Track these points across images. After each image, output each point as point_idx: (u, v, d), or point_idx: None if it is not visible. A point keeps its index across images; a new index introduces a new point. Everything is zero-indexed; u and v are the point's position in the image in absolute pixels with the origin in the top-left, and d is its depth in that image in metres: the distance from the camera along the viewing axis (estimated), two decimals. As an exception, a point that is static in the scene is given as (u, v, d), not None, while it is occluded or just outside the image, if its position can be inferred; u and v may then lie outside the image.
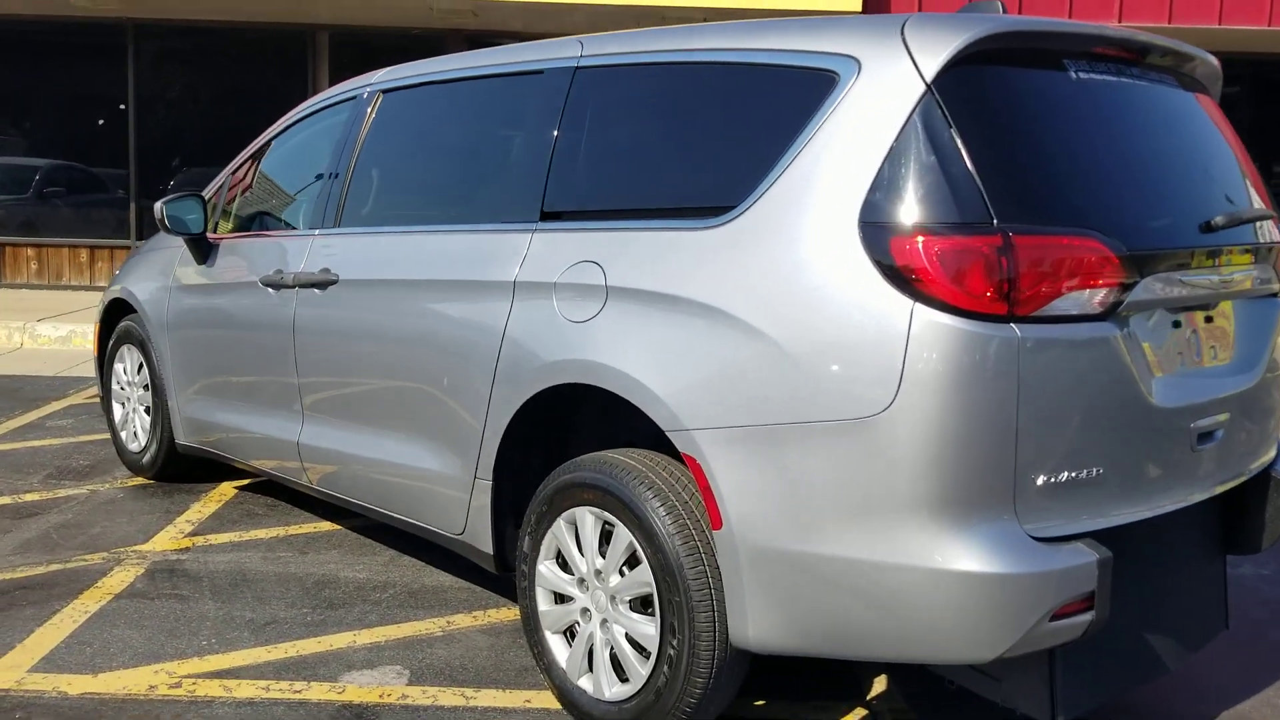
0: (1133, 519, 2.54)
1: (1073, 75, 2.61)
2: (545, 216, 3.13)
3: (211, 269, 4.51)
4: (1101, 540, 2.44)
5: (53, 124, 11.74)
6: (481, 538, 3.29)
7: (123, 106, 11.55)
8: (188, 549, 4.31)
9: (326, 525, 4.65)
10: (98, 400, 6.94)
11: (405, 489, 3.57)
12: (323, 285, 3.83)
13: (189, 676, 3.24)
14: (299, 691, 3.16)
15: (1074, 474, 2.39)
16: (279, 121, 4.55)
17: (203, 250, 4.58)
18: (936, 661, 2.44)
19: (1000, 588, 2.30)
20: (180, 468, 5.10)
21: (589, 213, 3.01)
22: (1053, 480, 2.36)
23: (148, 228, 11.73)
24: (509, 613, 3.76)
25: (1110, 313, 2.42)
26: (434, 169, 3.67)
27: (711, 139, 2.77)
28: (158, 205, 4.44)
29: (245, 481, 5.25)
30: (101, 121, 11.69)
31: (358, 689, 3.18)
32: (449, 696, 3.15)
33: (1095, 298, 2.39)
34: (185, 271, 4.67)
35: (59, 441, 5.91)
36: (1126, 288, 2.44)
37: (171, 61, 11.65)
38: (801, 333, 2.44)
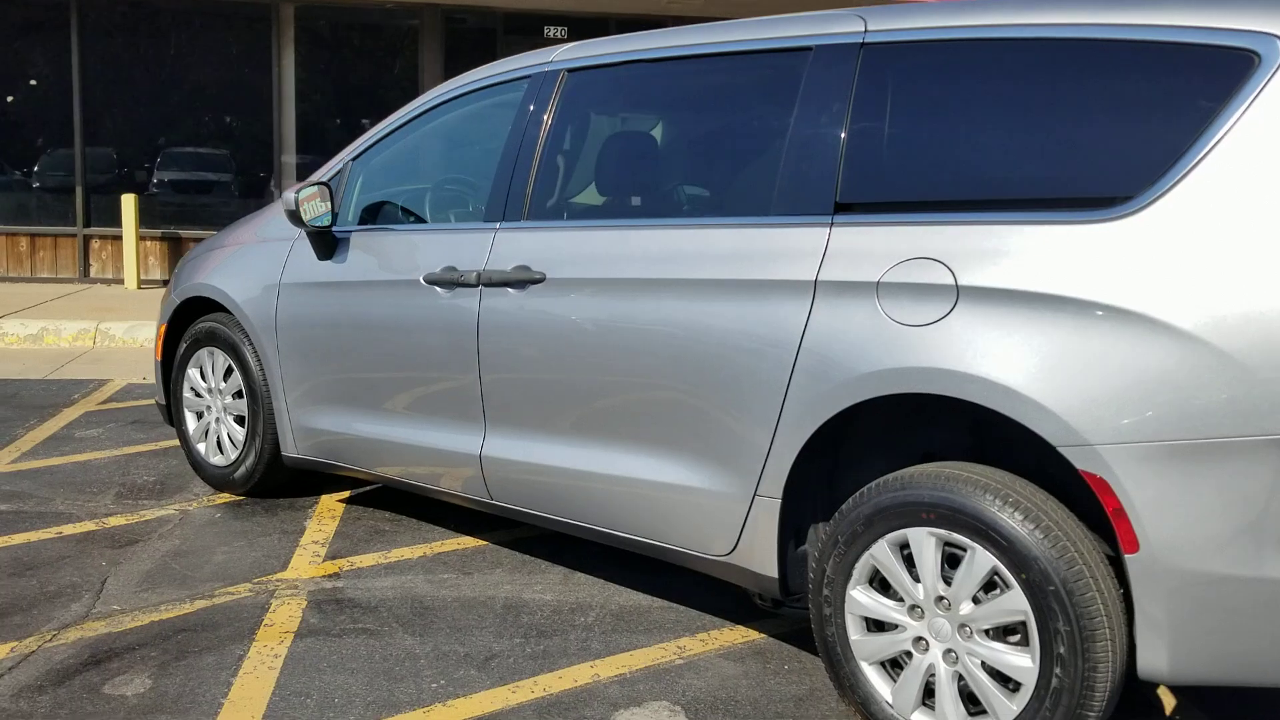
0: None
1: None
2: (842, 208, 2.86)
3: (343, 265, 4.08)
4: None
5: (-16, 101, 10.80)
6: (761, 560, 3.01)
7: (67, 84, 10.68)
8: (336, 575, 3.90)
9: (470, 540, 4.28)
10: (113, 407, 6.36)
11: (643, 506, 3.26)
12: (520, 284, 3.47)
13: (448, 728, 2.89)
14: (579, 739, 2.85)
15: None
16: (411, 105, 4.12)
17: (328, 245, 4.14)
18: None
19: None
20: (275, 481, 4.66)
21: (910, 204, 2.75)
22: None
23: (97, 214, 10.91)
24: (733, 634, 3.49)
25: None
26: (661, 156, 3.35)
27: (1086, 123, 2.54)
28: (290, 195, 3.98)
29: (345, 494, 4.83)
30: (44, 101, 10.80)
31: (643, 733, 2.89)
32: (746, 736, 2.88)
33: None
34: (303, 267, 4.22)
35: (104, 455, 5.34)
36: None
37: (120, 36, 10.81)
38: (1253, 337, 2.24)
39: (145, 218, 10.68)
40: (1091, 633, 2.44)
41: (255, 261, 4.47)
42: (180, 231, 10.90)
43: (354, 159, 4.23)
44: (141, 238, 10.57)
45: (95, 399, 6.54)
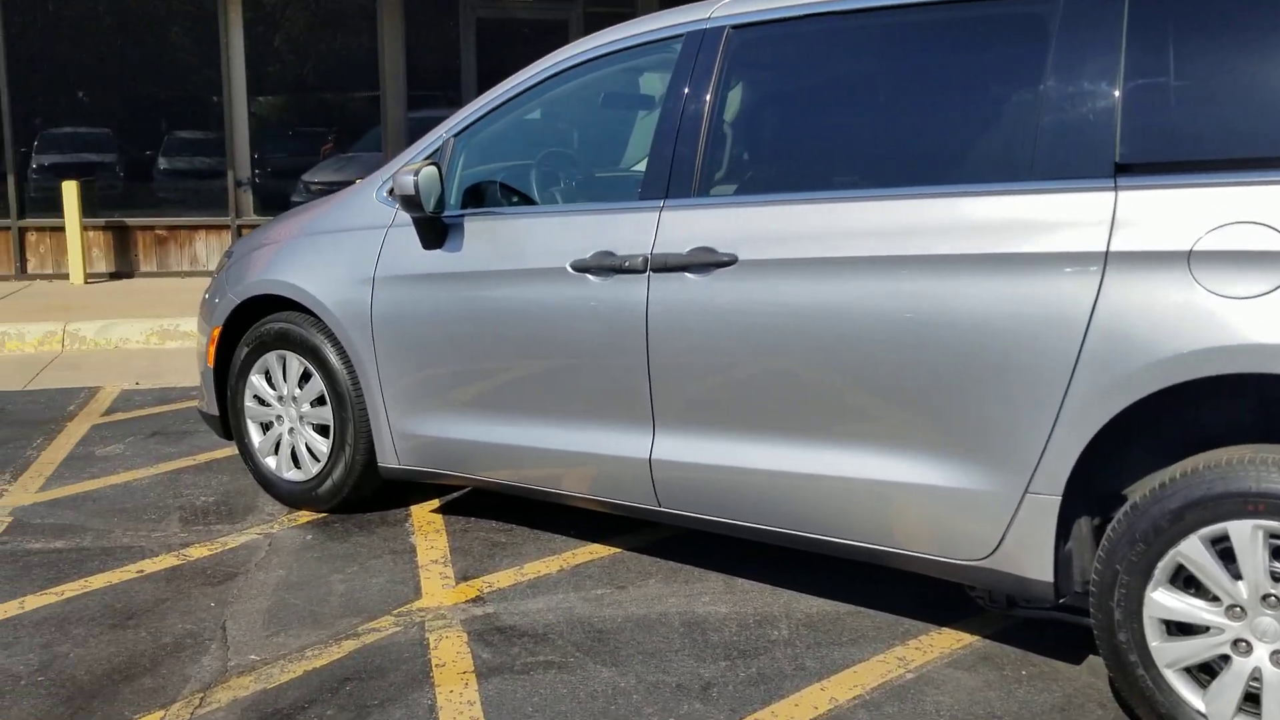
0: None
1: None
2: (1124, 170, 2.58)
3: (459, 254, 3.64)
4: None
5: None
6: (1029, 563, 2.73)
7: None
8: (480, 599, 3.50)
9: (600, 548, 3.92)
10: (120, 418, 5.77)
11: (868, 509, 2.95)
12: (702, 268, 3.11)
13: (714, 777, 2.56)
14: (863, 777, 2.55)
15: None
16: (525, 74, 3.68)
17: (438, 232, 3.70)
18: None
19: None
20: (361, 495, 4.21)
21: (1215, 163, 2.47)
22: None
23: (32, 204, 10.05)
24: (944, 638, 3.22)
25: None
26: (873, 120, 3.01)
27: None
28: (408, 177, 3.52)
29: (435, 503, 4.41)
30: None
31: (928, 764, 2.60)
32: (1038, 758, 2.62)
33: None
34: (404, 259, 3.77)
35: (143, 475, 4.80)
36: None
37: (49, 11, 9.92)
38: None
39: (87, 205, 9.87)
40: None
41: (336, 254, 3.99)
42: (126, 220, 10.11)
43: (456, 134, 3.78)
44: (85, 228, 9.77)
45: (94, 410, 5.93)
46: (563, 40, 10.76)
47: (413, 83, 10.51)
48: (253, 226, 10.31)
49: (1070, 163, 2.64)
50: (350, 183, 10.62)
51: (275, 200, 10.44)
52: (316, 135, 10.70)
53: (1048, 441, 2.65)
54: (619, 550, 3.90)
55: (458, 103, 10.69)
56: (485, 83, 10.60)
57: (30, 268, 10.07)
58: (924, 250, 2.78)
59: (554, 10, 10.71)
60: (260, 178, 10.45)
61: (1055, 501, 2.67)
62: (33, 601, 3.49)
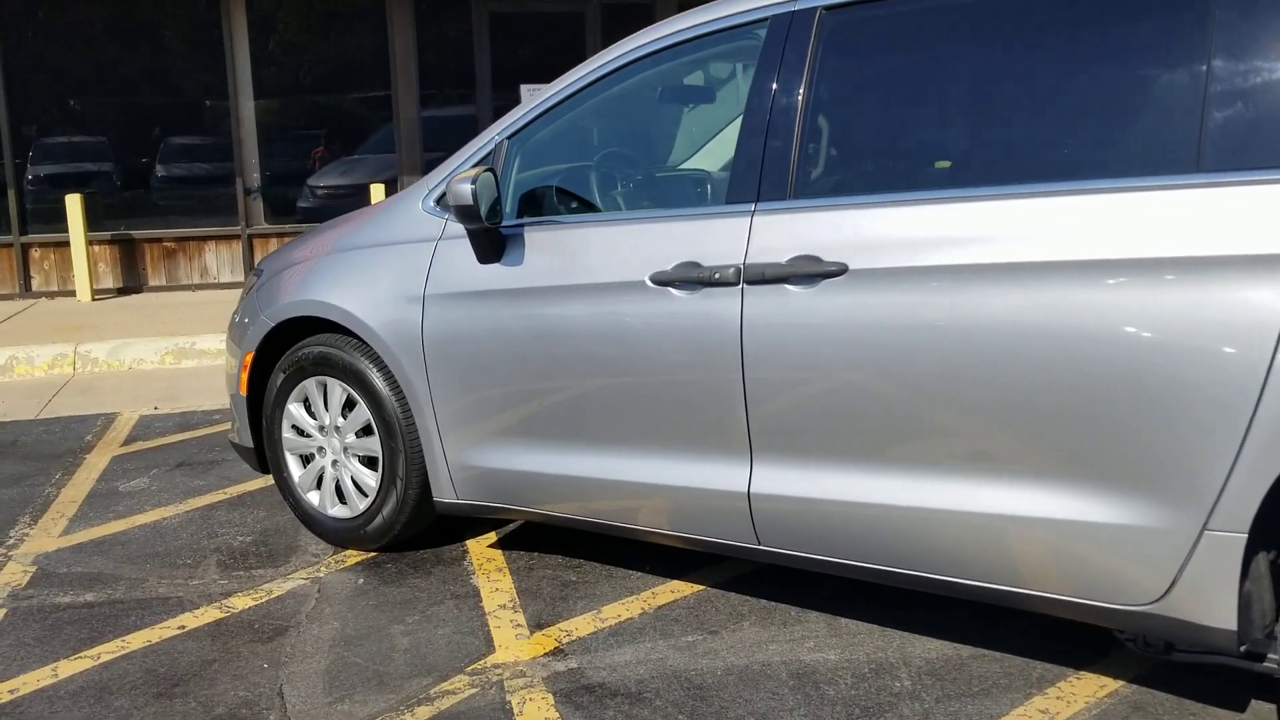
0: None
1: None
2: (1319, 158, 2.24)
3: (520, 268, 3.31)
4: None
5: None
6: (1207, 608, 2.39)
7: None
8: (560, 651, 3.17)
9: (682, 585, 3.58)
10: (141, 448, 5.44)
11: (1008, 548, 2.61)
12: (807, 279, 2.77)
13: None
14: None
15: None
16: (588, 67, 3.33)
17: (495, 244, 3.36)
18: None
19: None
20: (414, 532, 3.88)
21: None
22: None
23: (35, 218, 9.70)
24: (1084, 684, 2.88)
25: None
26: (1006, 106, 2.66)
27: None
28: (463, 185, 3.17)
29: (492, 537, 4.07)
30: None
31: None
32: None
33: None
34: (458, 274, 3.43)
35: (172, 513, 4.47)
36: None
37: (46, 17, 9.56)
38: None
39: (92, 218, 9.52)
40: None
41: (380, 270, 3.65)
42: (132, 232, 9.76)
43: (510, 136, 3.44)
44: (90, 242, 9.42)
45: (114, 440, 5.60)
46: (579, 34, 10.41)
47: (425, 81, 10.16)
48: (264, 235, 9.98)
49: (1244, 151, 2.30)
50: (360, 185, 10.30)
51: (287, 207, 10.10)
52: (328, 138, 10.35)
53: (1230, 472, 2.30)
54: (703, 587, 3.57)
55: (472, 100, 10.34)
56: (500, 78, 10.26)
57: (35, 285, 9.72)
58: (1074, 255, 2.43)
59: (570, 2, 10.35)
60: (271, 184, 10.11)
61: (1240, 540, 2.33)
62: (66, 668, 3.16)
